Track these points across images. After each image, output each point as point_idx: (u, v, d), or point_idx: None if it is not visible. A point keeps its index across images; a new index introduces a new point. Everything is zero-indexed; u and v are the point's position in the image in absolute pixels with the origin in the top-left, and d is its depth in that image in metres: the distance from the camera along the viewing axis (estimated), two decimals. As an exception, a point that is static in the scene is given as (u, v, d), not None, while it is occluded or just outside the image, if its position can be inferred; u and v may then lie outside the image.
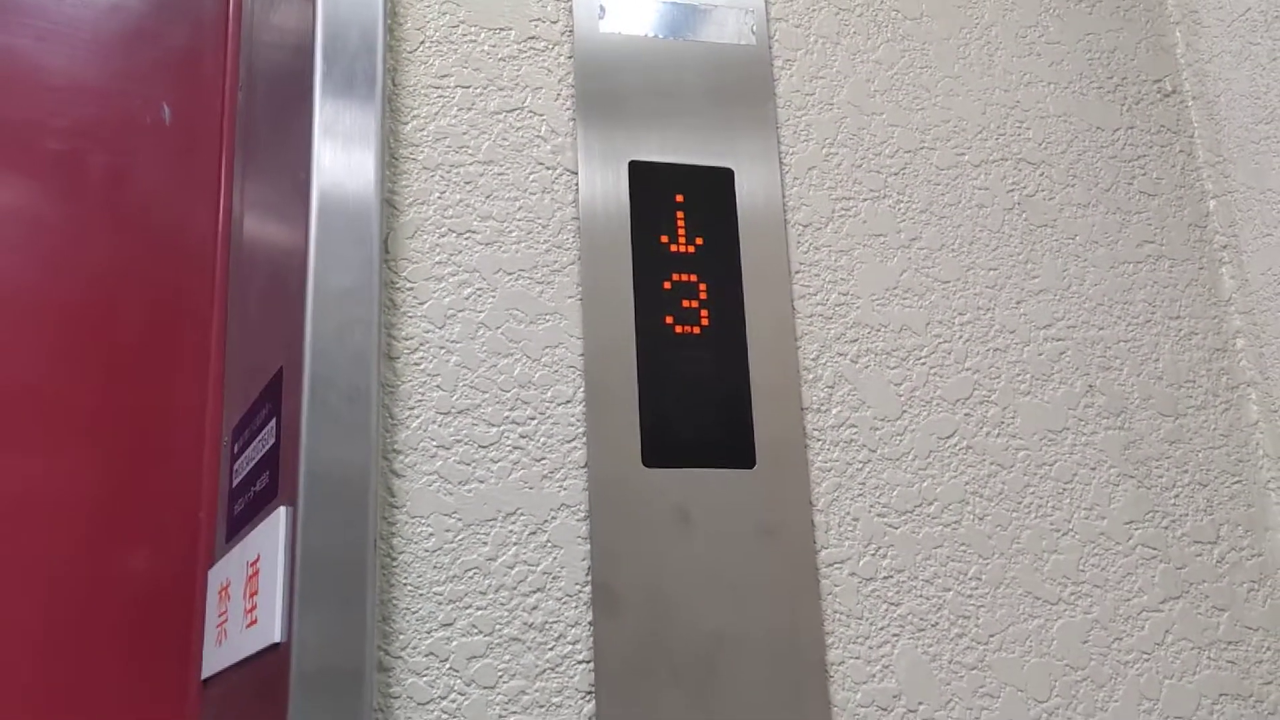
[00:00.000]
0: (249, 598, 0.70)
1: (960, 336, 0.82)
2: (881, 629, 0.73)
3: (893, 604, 0.74)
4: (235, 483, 0.81)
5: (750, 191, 0.81)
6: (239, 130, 0.97)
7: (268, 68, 0.89)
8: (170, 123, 1.01)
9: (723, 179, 0.80)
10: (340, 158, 0.71)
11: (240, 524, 0.78)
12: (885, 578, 0.75)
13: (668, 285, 0.77)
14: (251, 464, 0.76)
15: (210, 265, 0.94)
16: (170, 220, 0.98)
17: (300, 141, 0.73)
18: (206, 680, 0.82)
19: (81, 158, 0.97)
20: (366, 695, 0.62)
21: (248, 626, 0.70)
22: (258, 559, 0.69)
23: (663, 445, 0.73)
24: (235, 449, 0.83)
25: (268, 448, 0.72)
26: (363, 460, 0.66)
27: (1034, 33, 0.92)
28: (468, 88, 0.78)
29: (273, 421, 0.72)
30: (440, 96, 0.78)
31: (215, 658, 0.78)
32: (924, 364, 0.80)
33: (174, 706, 0.84)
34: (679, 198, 0.79)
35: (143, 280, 0.95)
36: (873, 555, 0.75)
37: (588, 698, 0.67)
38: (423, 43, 0.78)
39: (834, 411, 0.78)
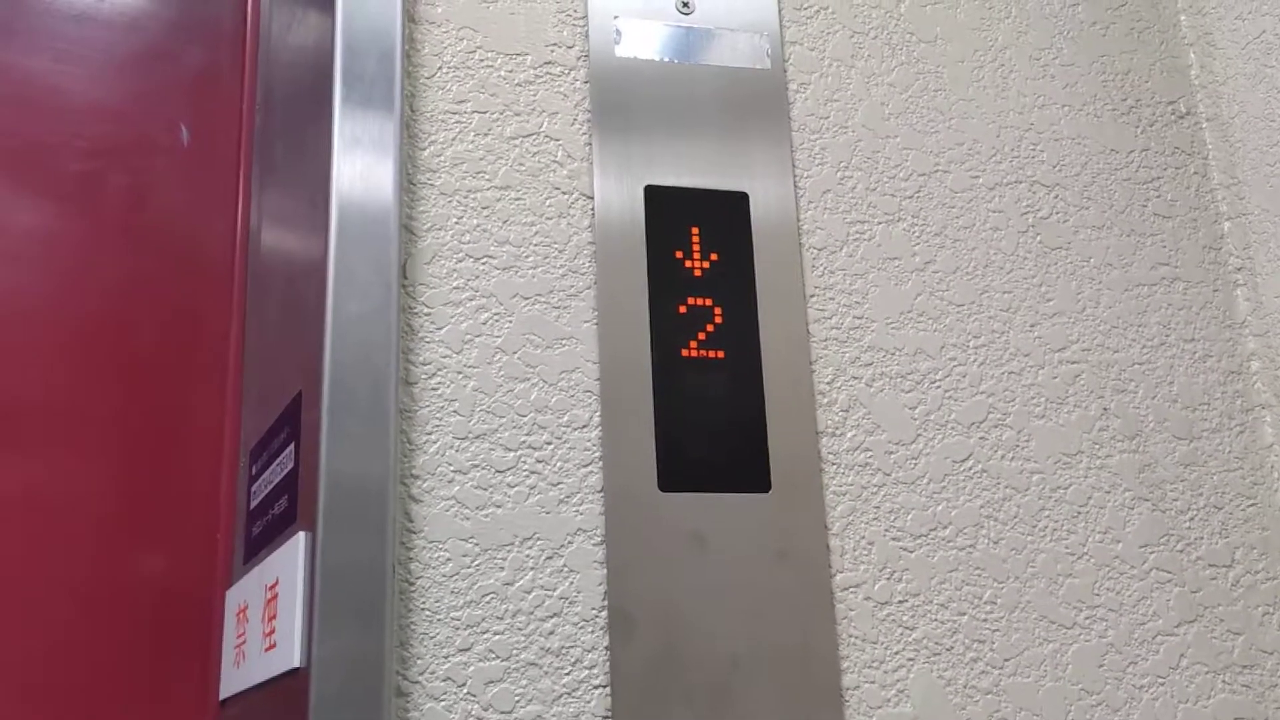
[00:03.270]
0: (267, 621, 0.71)
1: (975, 360, 0.82)
2: (896, 653, 0.74)
3: (907, 628, 0.74)
4: (254, 504, 0.82)
5: (765, 215, 0.81)
6: (257, 152, 0.97)
7: (286, 90, 0.90)
8: (188, 144, 1.02)
9: (738, 202, 0.81)
10: (359, 183, 0.72)
11: (259, 546, 0.79)
12: (900, 602, 0.75)
13: (683, 309, 0.77)
14: (270, 486, 0.77)
15: (229, 284, 0.95)
16: (188, 240, 0.99)
17: (319, 164, 0.74)
18: (224, 701, 0.82)
19: (100, 178, 0.98)
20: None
21: (266, 650, 0.70)
22: (276, 583, 0.70)
23: (679, 469, 0.73)
24: (254, 470, 0.83)
25: (286, 471, 0.73)
26: (381, 485, 0.66)
27: (1048, 55, 0.93)
28: (485, 113, 0.79)
29: (291, 445, 0.72)
30: (458, 122, 0.78)
31: (233, 679, 0.79)
32: (939, 387, 0.81)
33: (192, 725, 0.85)
34: (694, 221, 0.79)
35: (161, 299, 0.96)
36: (887, 579, 0.75)
37: (604, 722, 0.67)
38: (440, 68, 0.79)
39: (849, 435, 0.78)
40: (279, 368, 0.81)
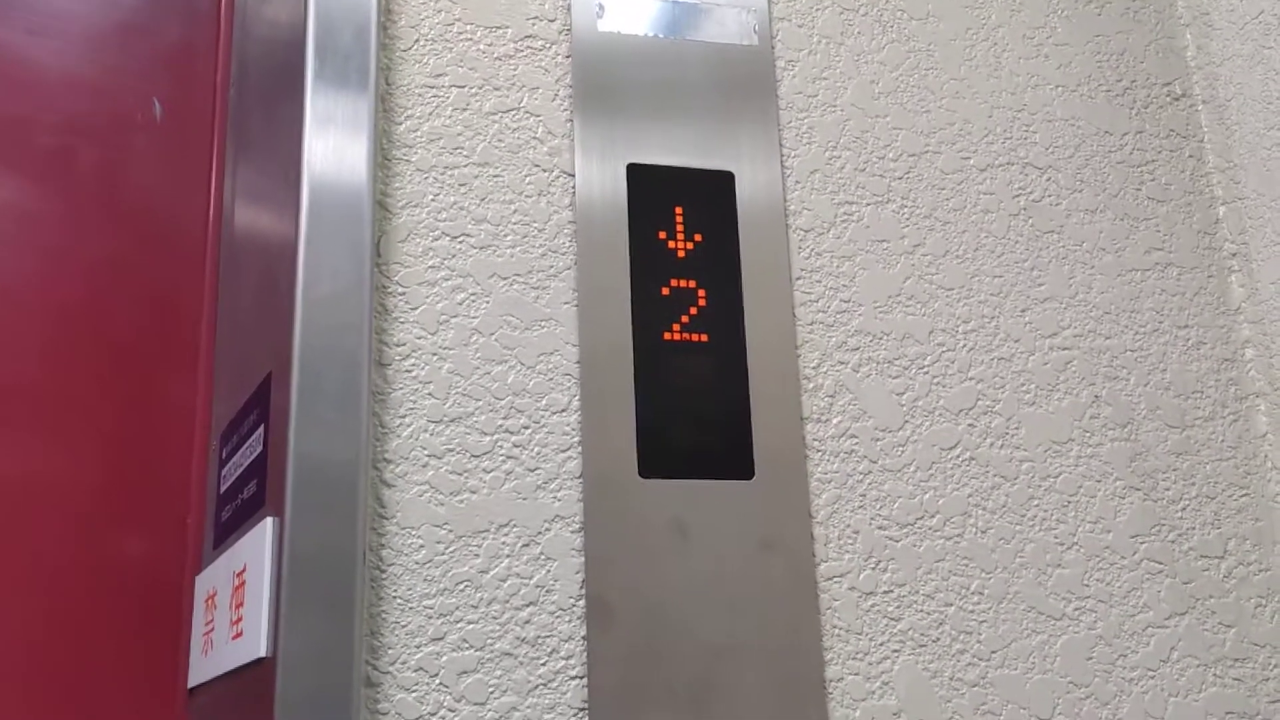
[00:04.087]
0: (235, 609, 0.69)
1: (964, 345, 0.80)
2: (881, 644, 0.72)
3: (893, 619, 0.72)
4: (224, 488, 0.80)
5: (751, 195, 0.79)
6: (231, 127, 0.95)
7: (260, 64, 0.87)
8: (162, 119, 0.99)
9: (723, 182, 0.79)
10: (332, 159, 0.70)
11: (227, 531, 0.77)
12: (885, 592, 0.73)
13: (666, 291, 0.75)
14: (239, 470, 0.75)
15: (201, 263, 0.93)
16: (162, 217, 0.96)
17: (291, 141, 0.71)
18: (193, 689, 0.80)
19: (72, 153, 0.96)
20: (354, 712, 0.60)
21: (233, 639, 0.68)
22: (244, 569, 0.68)
23: (660, 455, 0.71)
24: (224, 454, 0.81)
25: (255, 455, 0.71)
26: (352, 469, 0.64)
27: (1041, 34, 0.91)
28: (463, 87, 0.77)
29: (261, 428, 0.70)
30: (435, 96, 0.76)
31: (202, 667, 0.77)
32: (927, 373, 0.79)
33: (160, 714, 0.83)
34: (678, 201, 0.77)
35: (133, 278, 0.93)
36: (873, 569, 0.73)
37: (581, 714, 0.66)
38: (417, 40, 0.77)
39: (834, 421, 0.76)
40: (251, 349, 0.79)
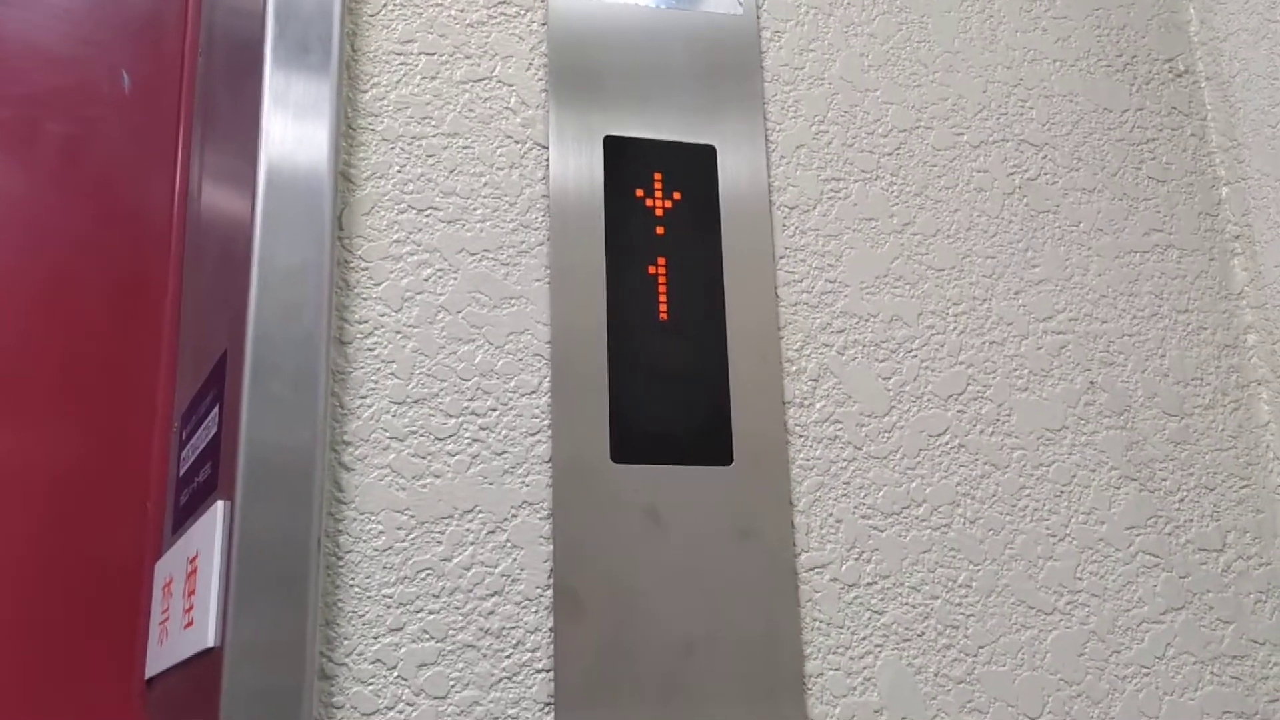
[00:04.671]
0: (187, 596, 0.66)
1: (954, 328, 0.77)
2: (864, 639, 0.69)
3: (876, 612, 0.69)
4: (182, 471, 0.77)
5: (733, 171, 0.76)
6: (198, 99, 0.92)
7: (225, 32, 0.84)
8: (130, 91, 0.96)
9: (704, 156, 0.75)
10: (292, 127, 0.66)
11: (184, 516, 0.74)
12: (869, 584, 0.70)
13: (643, 269, 0.72)
14: (196, 453, 0.72)
15: (166, 240, 0.89)
16: (128, 193, 0.93)
17: (250, 109, 0.68)
18: (150, 680, 0.77)
19: (36, 126, 0.92)
20: (306, 705, 0.57)
21: (185, 628, 0.65)
22: (196, 556, 0.65)
23: (633, 440, 0.68)
24: (184, 435, 0.78)
25: (210, 437, 0.68)
26: (308, 452, 0.61)
27: (1039, 6, 0.87)
28: (432, 54, 0.73)
29: (216, 409, 0.67)
30: (403, 64, 0.72)
31: (158, 657, 0.74)
32: (915, 357, 0.76)
33: (117, 706, 0.80)
34: (657, 176, 0.74)
35: (97, 255, 0.90)
36: (856, 560, 0.70)
37: (546, 709, 0.63)
38: (385, 5, 0.73)
39: (818, 406, 0.73)
40: (210, 329, 0.76)
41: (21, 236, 0.89)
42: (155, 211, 0.92)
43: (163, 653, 0.72)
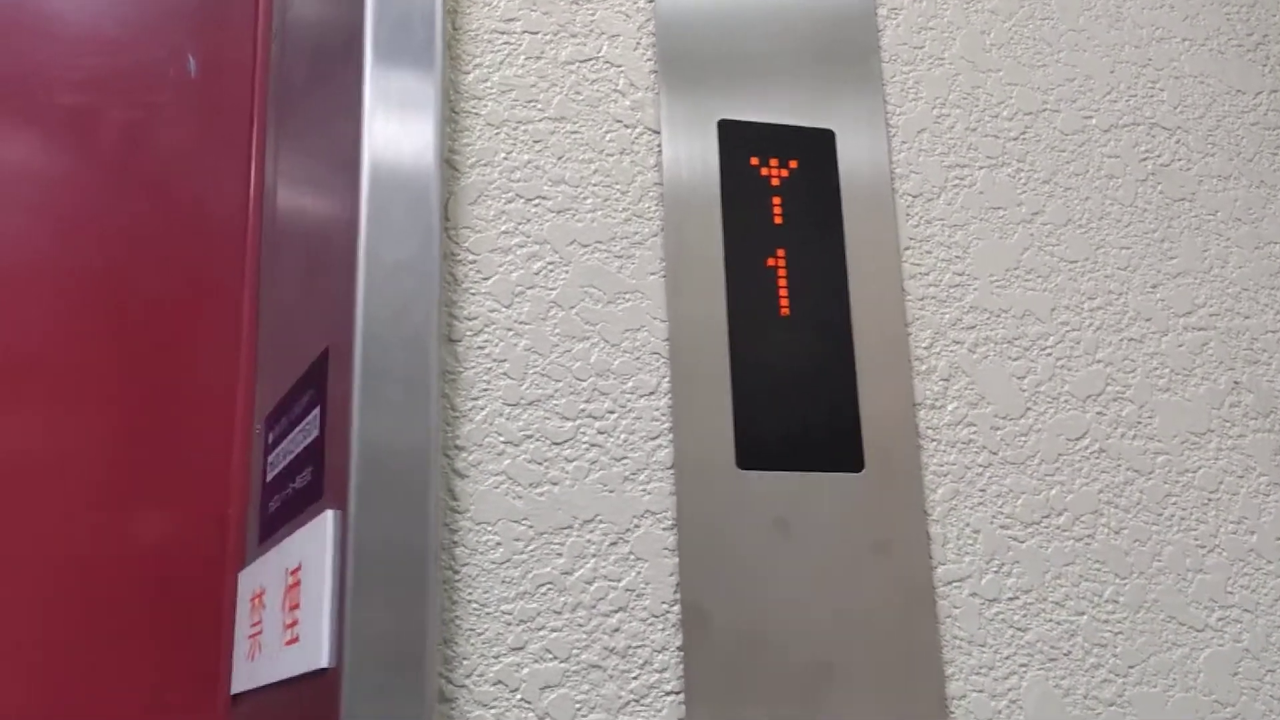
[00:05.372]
0: (288, 610, 0.62)
1: (1090, 324, 0.72)
2: (1007, 658, 0.64)
3: (1019, 629, 0.65)
4: (270, 477, 0.72)
5: (853, 156, 0.71)
6: (272, 84, 0.87)
7: (306, 13, 0.80)
8: (196, 76, 0.92)
9: (823, 141, 0.71)
10: (394, 115, 0.62)
11: (276, 524, 0.70)
12: (1010, 599, 0.65)
13: (762, 261, 0.67)
14: (290, 457, 0.68)
15: (240, 234, 0.85)
16: (194, 184, 0.89)
17: (348, 97, 0.64)
18: (236, 696, 0.74)
19: (98, 114, 0.88)
20: (427, 733, 0.53)
21: (286, 644, 0.61)
22: (299, 567, 0.61)
23: (760, 445, 0.64)
24: (270, 439, 0.74)
25: (310, 440, 0.63)
26: (421, 458, 0.57)
27: (1166, -18, 0.82)
28: (536, 33, 0.69)
29: (316, 410, 0.63)
30: (506, 43, 0.68)
31: (247, 673, 0.70)
32: (1049, 355, 0.71)
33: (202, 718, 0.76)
34: (773, 162, 0.69)
35: (164, 248, 0.86)
36: (995, 573, 0.66)
37: (677, 735, 0.58)
38: (487, -19, 0.69)
39: (950, 408, 0.68)
40: (300, 325, 0.72)
41: (86, 228, 0.85)
42: (226, 202, 0.87)
43: (255, 668, 0.68)
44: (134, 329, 0.83)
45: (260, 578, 0.69)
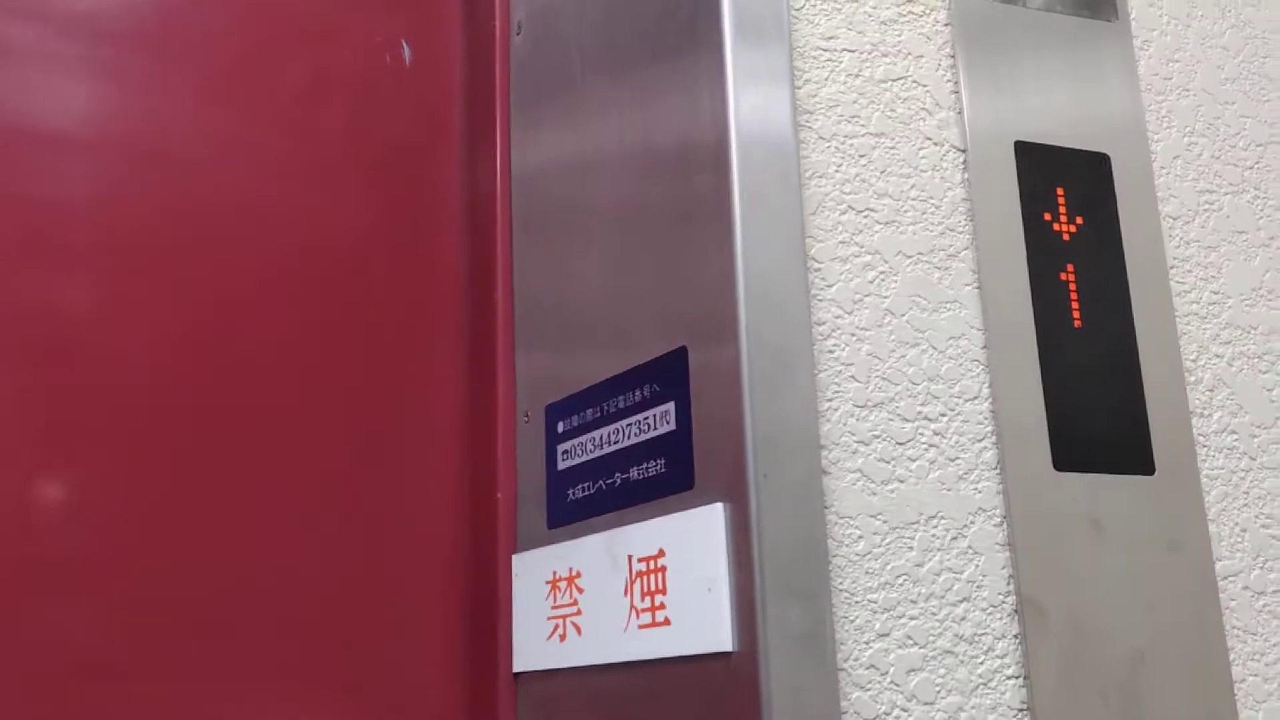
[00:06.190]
0: (643, 597, 0.65)
1: (1324, 342, 0.79)
2: (1275, 645, 0.71)
3: (1286, 620, 0.71)
4: (565, 465, 0.75)
5: (1125, 179, 0.76)
6: (517, 78, 0.89)
7: (590, 15, 0.82)
8: (411, 64, 0.93)
9: (1100, 165, 0.76)
10: (758, 103, 0.65)
11: (583, 512, 0.73)
12: (1275, 592, 0.72)
13: (1060, 276, 0.72)
14: (615, 447, 0.70)
15: (491, 221, 0.87)
16: (419, 169, 0.90)
17: (711, 69, 0.66)
18: (519, 675, 0.76)
19: (320, 101, 0.89)
20: (839, 710, 0.57)
21: (644, 627, 0.64)
22: (660, 553, 0.64)
23: (1072, 448, 0.69)
24: (561, 429, 0.77)
25: (662, 432, 0.66)
26: (807, 453, 0.61)
27: (1368, 27, 0.89)
28: (854, 51, 0.72)
29: (670, 404, 0.66)
30: (829, 60, 0.71)
31: (549, 653, 0.73)
32: (1293, 370, 0.77)
33: (482, 695, 0.78)
34: (1059, 182, 0.74)
35: (399, 236, 0.88)
36: (1261, 569, 0.72)
37: (1021, 715, 0.63)
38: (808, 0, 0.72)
39: (1215, 416, 0.74)
40: (598, 318, 0.74)
41: (321, 215, 0.86)
42: (482, 194, 0.89)
43: (567, 649, 0.71)
44: (381, 325, 0.85)
45: (567, 561, 0.72)
